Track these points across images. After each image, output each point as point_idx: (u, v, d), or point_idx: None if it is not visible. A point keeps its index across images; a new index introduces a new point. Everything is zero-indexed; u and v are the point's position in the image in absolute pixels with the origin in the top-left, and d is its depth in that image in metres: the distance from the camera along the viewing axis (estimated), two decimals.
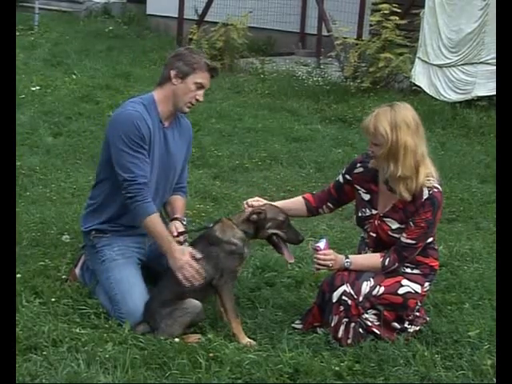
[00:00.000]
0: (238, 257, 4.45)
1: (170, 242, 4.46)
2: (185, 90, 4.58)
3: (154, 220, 4.49)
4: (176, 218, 4.76)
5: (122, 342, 4.17)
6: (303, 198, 4.71)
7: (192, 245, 4.55)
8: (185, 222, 4.78)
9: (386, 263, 4.36)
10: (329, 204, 4.66)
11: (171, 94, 4.61)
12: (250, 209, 4.51)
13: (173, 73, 4.58)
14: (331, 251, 4.38)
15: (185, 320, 4.33)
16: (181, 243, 4.59)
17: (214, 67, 4.68)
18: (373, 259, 4.41)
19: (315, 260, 4.37)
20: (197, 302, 4.36)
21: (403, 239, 4.34)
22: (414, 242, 4.33)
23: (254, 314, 4.67)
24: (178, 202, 4.87)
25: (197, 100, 4.62)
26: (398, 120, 4.21)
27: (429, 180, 4.30)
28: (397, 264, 4.37)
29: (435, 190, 4.30)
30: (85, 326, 4.37)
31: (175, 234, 4.61)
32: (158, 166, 4.66)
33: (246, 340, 4.31)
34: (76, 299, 4.63)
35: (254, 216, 4.45)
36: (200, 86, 4.59)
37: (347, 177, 4.58)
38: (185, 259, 4.37)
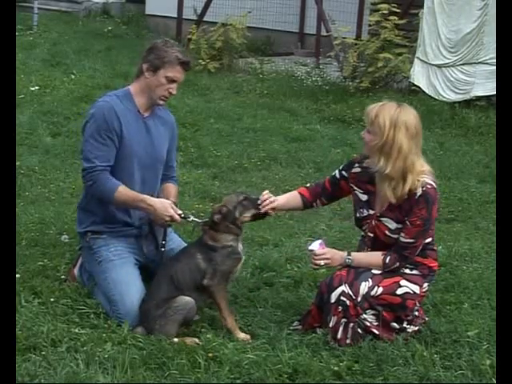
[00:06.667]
0: (234, 258, 4.48)
1: (147, 199, 4.53)
2: (156, 84, 4.64)
3: (123, 190, 4.54)
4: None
5: (121, 342, 4.17)
6: (299, 193, 4.75)
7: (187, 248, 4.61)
8: (178, 207, 4.74)
9: (387, 261, 4.36)
10: (322, 199, 4.71)
11: (145, 86, 4.69)
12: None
13: (145, 66, 4.67)
14: (327, 250, 4.41)
15: (177, 318, 4.33)
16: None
17: (186, 61, 4.66)
18: (374, 257, 4.41)
19: (311, 261, 4.43)
20: (188, 298, 4.37)
21: (402, 239, 4.34)
22: (412, 240, 4.34)
23: (253, 314, 4.67)
24: (171, 188, 4.89)
25: (170, 93, 4.67)
26: (399, 119, 4.24)
27: (422, 177, 4.30)
28: (398, 263, 4.37)
29: (428, 186, 4.30)
30: (84, 326, 4.37)
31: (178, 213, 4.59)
32: (141, 155, 4.67)
33: (241, 335, 4.34)
34: (75, 299, 4.63)
35: (217, 216, 4.47)
36: (171, 80, 4.64)
37: (344, 173, 4.61)
38: (166, 204, 4.51)
